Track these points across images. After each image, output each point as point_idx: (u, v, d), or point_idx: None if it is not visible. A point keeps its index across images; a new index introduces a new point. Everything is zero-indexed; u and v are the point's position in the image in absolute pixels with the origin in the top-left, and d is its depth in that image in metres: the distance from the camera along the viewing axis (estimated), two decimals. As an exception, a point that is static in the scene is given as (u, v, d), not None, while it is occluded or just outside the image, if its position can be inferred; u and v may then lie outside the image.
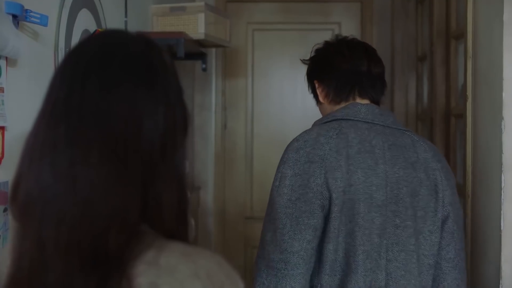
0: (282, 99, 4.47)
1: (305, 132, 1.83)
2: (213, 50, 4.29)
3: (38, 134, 0.93)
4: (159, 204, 0.93)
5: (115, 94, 0.92)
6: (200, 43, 3.39)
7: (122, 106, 0.92)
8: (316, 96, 2.04)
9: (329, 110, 1.96)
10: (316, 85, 2.02)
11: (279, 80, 4.48)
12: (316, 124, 1.90)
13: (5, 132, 1.75)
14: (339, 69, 1.96)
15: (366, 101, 1.92)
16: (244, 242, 4.48)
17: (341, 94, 1.94)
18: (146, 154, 0.92)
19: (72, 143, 0.89)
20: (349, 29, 4.46)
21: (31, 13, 1.80)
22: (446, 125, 3.18)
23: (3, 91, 1.72)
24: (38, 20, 1.83)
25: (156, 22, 3.25)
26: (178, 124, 0.99)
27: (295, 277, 1.69)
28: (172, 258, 0.89)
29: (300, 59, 2.17)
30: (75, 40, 2.27)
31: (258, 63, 4.51)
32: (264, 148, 4.47)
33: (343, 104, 1.92)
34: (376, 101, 1.95)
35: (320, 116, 2.01)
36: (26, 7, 1.78)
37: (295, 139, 1.82)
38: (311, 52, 2.11)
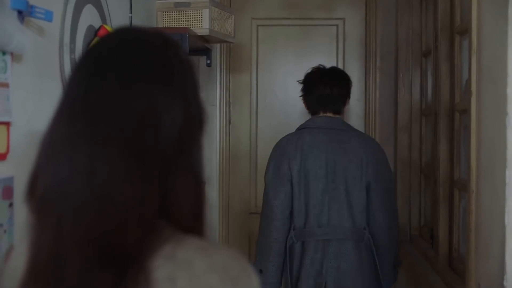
0: (286, 94, 4.47)
1: (283, 137, 3.13)
2: (218, 45, 4.29)
3: (56, 131, 0.94)
4: (176, 199, 0.94)
5: (133, 91, 0.93)
6: (204, 38, 3.39)
7: (140, 102, 0.92)
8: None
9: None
10: (302, 101, 3.21)
11: (283, 76, 4.48)
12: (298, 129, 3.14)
13: (11, 128, 1.76)
14: (311, 93, 3.14)
15: (329, 114, 3.09)
16: (248, 237, 4.48)
17: (313, 109, 3.14)
18: (164, 150, 0.93)
19: (90, 140, 0.90)
20: (354, 24, 4.46)
21: (36, 9, 1.81)
22: (450, 121, 3.17)
23: (8, 87, 1.73)
24: (43, 16, 1.84)
25: (161, 17, 3.26)
26: (195, 120, 1.00)
27: (276, 220, 2.96)
28: (189, 252, 0.90)
29: (297, 80, 3.29)
30: (80, 35, 2.27)
31: (262, 58, 4.51)
32: (268, 144, 4.46)
33: (316, 115, 3.11)
34: (337, 112, 3.11)
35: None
36: (31, 3, 1.78)
37: (278, 141, 3.13)
38: (305, 73, 3.23)
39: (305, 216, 2.94)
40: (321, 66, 3.20)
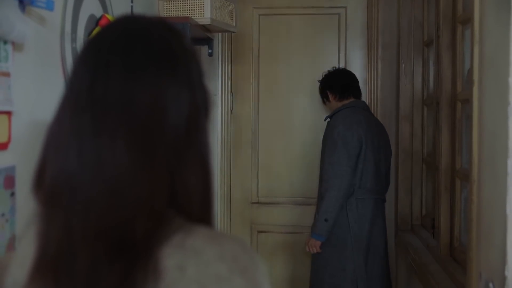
0: (288, 84, 4.46)
1: (343, 114, 3.72)
2: (219, 35, 4.27)
3: (62, 123, 0.94)
4: (186, 189, 0.94)
5: (139, 81, 0.93)
6: (206, 28, 3.38)
7: (146, 92, 0.92)
8: (326, 98, 3.96)
9: (334, 104, 3.89)
10: (328, 92, 3.92)
11: (285, 65, 4.46)
12: (339, 109, 3.80)
13: (12, 117, 1.76)
14: (337, 84, 3.91)
15: (354, 98, 3.88)
16: (250, 227, 4.49)
17: (341, 95, 3.89)
18: (171, 140, 0.93)
19: (97, 132, 0.90)
20: (356, 13, 4.44)
21: (37, -2, 1.80)
22: (452, 111, 3.17)
23: (9, 76, 1.72)
24: (44, 5, 1.83)
25: (162, 6, 3.25)
26: (201, 108, 0.99)
27: (348, 179, 3.55)
28: (198, 241, 0.90)
29: (318, 80, 4.06)
30: (81, 25, 2.27)
31: (264, 48, 4.49)
32: (269, 133, 4.46)
33: (345, 101, 3.86)
34: (359, 98, 3.93)
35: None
36: (32, -8, 1.78)
37: (341, 118, 3.69)
38: (322, 75, 4.02)
39: (365, 176, 3.62)
40: (336, 67, 4.08)
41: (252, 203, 4.49)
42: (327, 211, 3.55)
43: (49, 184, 0.92)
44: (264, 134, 4.48)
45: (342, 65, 4.43)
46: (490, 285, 1.84)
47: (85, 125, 0.91)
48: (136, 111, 0.91)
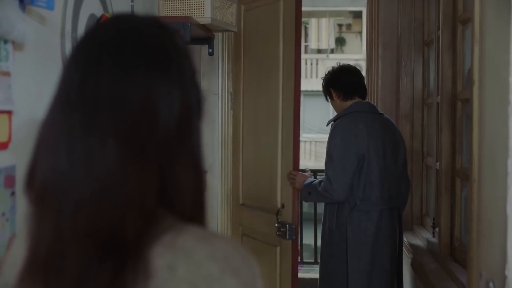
0: (258, 82, 4.20)
1: (343, 124, 3.50)
2: (220, 34, 4.23)
3: (53, 121, 0.93)
4: (177, 188, 0.94)
5: (130, 80, 0.92)
6: (206, 27, 3.38)
7: (137, 91, 0.91)
8: (330, 96, 3.77)
9: (339, 104, 3.69)
10: (332, 91, 3.72)
11: (256, 61, 4.21)
12: (340, 115, 3.60)
13: (12, 116, 1.76)
14: (342, 81, 3.70)
15: (360, 99, 3.68)
16: (239, 229, 4.38)
17: (348, 96, 3.67)
18: (163, 139, 0.92)
19: (88, 131, 0.89)
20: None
21: (37, -3, 1.80)
22: (453, 110, 3.17)
23: (10, 75, 1.72)
24: (44, 4, 1.83)
25: (162, 6, 3.25)
26: (193, 106, 0.99)
27: (341, 197, 3.39)
28: (190, 241, 0.89)
29: (321, 77, 3.88)
30: (81, 24, 2.27)
31: (247, 44, 4.26)
32: (250, 133, 4.26)
33: (349, 101, 3.65)
34: (364, 98, 3.73)
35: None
36: (32, -9, 1.78)
37: (340, 129, 3.49)
38: (326, 71, 3.84)
39: (370, 188, 3.41)
40: (340, 63, 3.83)
41: (241, 204, 4.38)
42: (313, 191, 3.47)
43: (40, 183, 0.91)
44: (247, 134, 4.27)
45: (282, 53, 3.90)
46: (491, 284, 1.85)
47: (76, 124, 0.90)
48: (127, 109, 0.90)
